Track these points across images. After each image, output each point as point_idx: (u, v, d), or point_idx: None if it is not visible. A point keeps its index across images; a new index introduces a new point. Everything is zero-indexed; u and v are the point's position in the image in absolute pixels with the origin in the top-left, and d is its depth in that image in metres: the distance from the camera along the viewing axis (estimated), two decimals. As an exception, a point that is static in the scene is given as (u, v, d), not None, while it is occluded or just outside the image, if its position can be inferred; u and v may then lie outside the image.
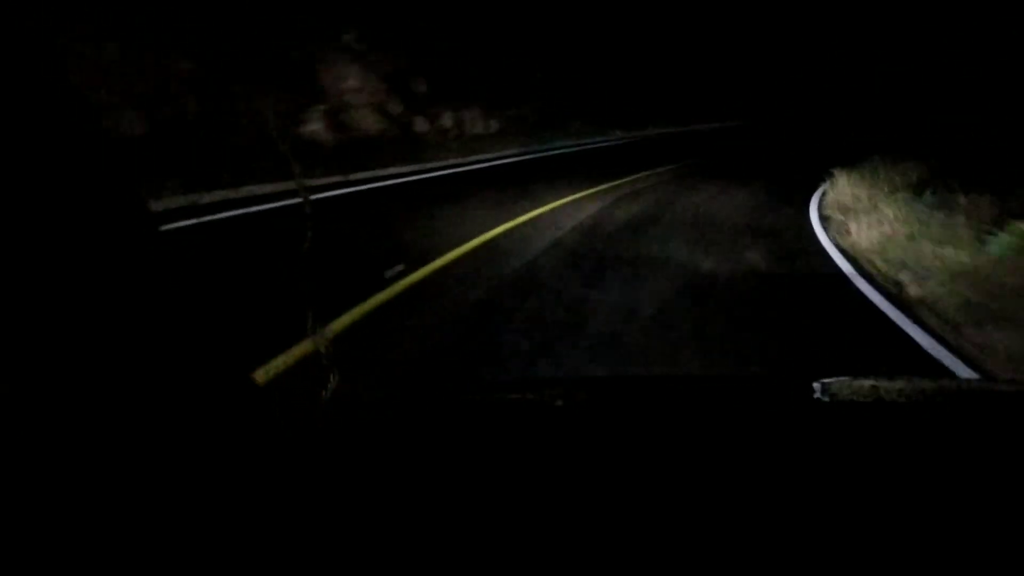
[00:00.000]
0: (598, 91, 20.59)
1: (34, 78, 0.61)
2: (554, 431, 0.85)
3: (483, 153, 13.52)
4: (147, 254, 0.72)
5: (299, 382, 2.79)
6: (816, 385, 1.04)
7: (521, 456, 0.75)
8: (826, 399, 1.02)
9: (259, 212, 6.69)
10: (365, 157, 10.79)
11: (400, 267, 4.78)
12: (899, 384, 1.08)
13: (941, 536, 0.57)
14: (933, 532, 0.57)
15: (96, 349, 0.62)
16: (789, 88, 31.90)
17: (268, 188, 7.68)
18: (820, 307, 4.55)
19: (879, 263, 5.95)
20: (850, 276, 5.36)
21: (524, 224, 6.88)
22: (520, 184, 9.54)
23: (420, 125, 13.86)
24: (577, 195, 8.88)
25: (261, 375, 2.83)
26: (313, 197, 7.48)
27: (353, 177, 9.25)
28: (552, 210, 7.74)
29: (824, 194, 9.73)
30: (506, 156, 13.53)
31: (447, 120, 14.54)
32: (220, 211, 6.47)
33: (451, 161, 12.08)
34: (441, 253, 5.42)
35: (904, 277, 5.43)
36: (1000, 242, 5.80)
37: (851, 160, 11.16)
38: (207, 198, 6.93)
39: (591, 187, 9.61)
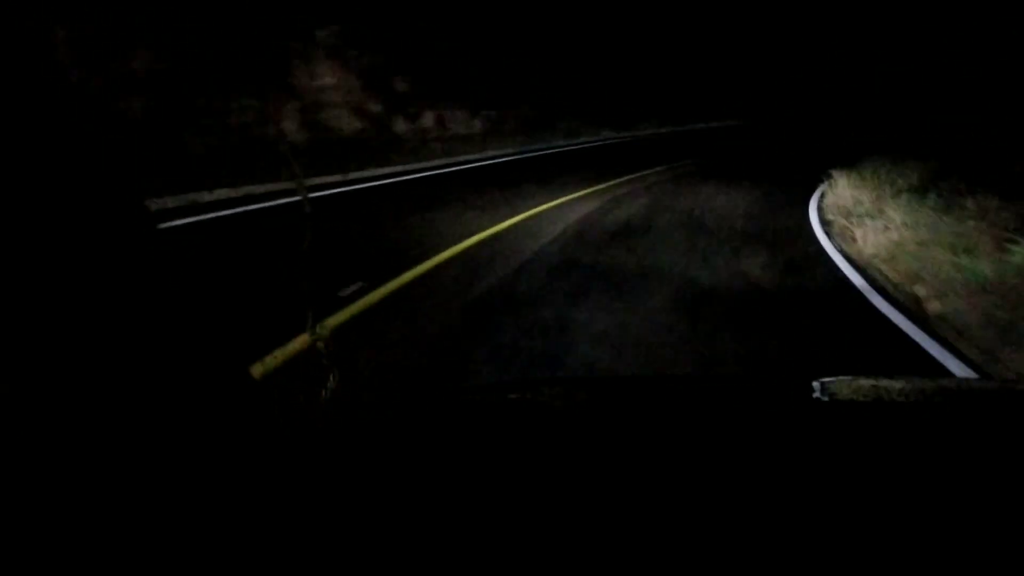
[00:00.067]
0: (589, 90, 20.02)
1: (31, 76, 0.61)
2: (554, 431, 0.84)
3: (466, 154, 12.92)
4: (144, 251, 0.72)
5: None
6: (816, 385, 1.03)
7: (520, 456, 0.74)
8: (826, 399, 1.02)
9: (195, 223, 6.09)
10: (339, 158, 10.19)
11: (358, 285, 4.19)
12: (899, 384, 1.07)
13: (941, 536, 0.56)
14: (933, 532, 0.57)
15: (92, 345, 0.61)
16: (788, 88, 31.59)
17: (223, 194, 7.08)
18: (837, 331, 3.99)
19: (891, 274, 5.43)
20: (863, 290, 4.82)
21: (503, 232, 6.31)
22: (503, 187, 8.97)
23: (400, 125, 13.26)
24: (563, 199, 8.32)
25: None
26: (274, 203, 6.88)
27: (323, 180, 8.65)
28: (536, 216, 7.17)
29: (825, 196, 9.22)
30: (491, 158, 12.95)
31: (429, 120, 13.94)
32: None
33: (431, 163, 11.48)
34: (408, 266, 4.85)
35: (921, 291, 4.90)
36: (1025, 251, 5.28)
37: (852, 160, 10.83)
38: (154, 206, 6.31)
39: (578, 190, 9.05)
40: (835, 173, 9.94)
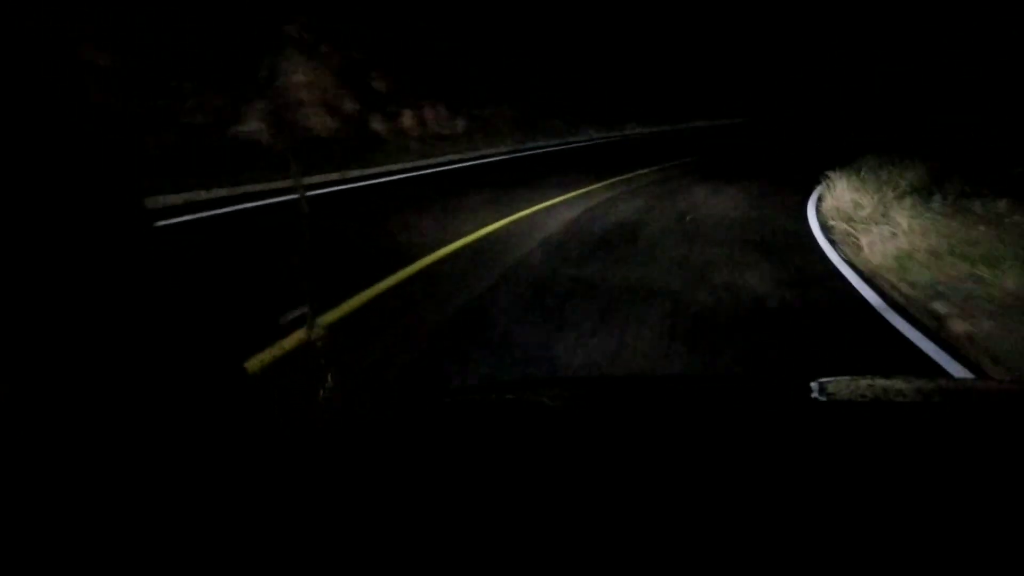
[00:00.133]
0: (577, 88, 19.48)
1: (29, 74, 0.60)
2: (552, 431, 0.83)
3: (447, 155, 12.35)
4: (140, 248, 0.71)
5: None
6: (815, 385, 1.03)
7: (520, 456, 0.74)
8: (825, 399, 1.01)
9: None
10: (311, 160, 9.61)
11: (302, 310, 3.62)
12: (898, 384, 1.07)
13: (940, 536, 0.56)
14: (932, 532, 0.56)
15: (87, 343, 0.61)
16: (787, 87, 31.27)
17: (176, 199, 6.47)
18: (858, 361, 3.46)
19: (904, 287, 4.93)
20: (879, 309, 4.31)
21: (479, 241, 5.76)
22: (482, 190, 8.42)
23: (377, 124, 12.67)
24: (547, 203, 7.78)
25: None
26: (228, 209, 6.28)
27: (289, 183, 8.05)
28: (516, 222, 6.63)
29: (827, 199, 8.74)
30: (472, 159, 12.38)
31: (408, 119, 13.35)
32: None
33: (409, 164, 10.90)
34: (369, 283, 4.30)
35: (941, 307, 4.41)
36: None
37: (852, 161, 10.41)
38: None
39: (563, 194, 8.52)
40: (836, 174, 9.50)
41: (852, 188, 8.81)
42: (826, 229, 7.13)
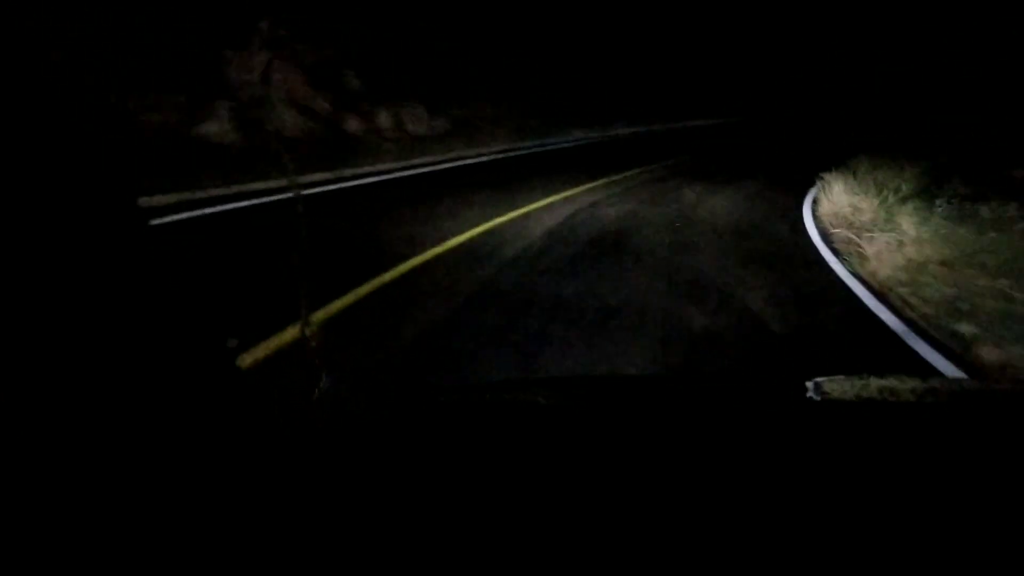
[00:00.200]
0: (565, 86, 18.96)
1: (28, 72, 0.59)
2: (550, 431, 0.82)
3: (425, 156, 11.77)
4: (136, 247, 0.71)
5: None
6: (811, 384, 1.01)
7: (516, 455, 0.73)
8: (820, 399, 0.99)
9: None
10: (277, 162, 9.01)
11: (234, 342, 3.07)
12: (895, 383, 1.05)
13: (939, 536, 0.55)
14: (930, 532, 0.55)
15: (84, 341, 0.60)
16: (786, 86, 30.90)
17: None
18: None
19: (921, 305, 4.45)
20: (900, 333, 3.82)
21: (448, 253, 5.21)
22: (458, 194, 7.87)
23: (352, 125, 12.07)
24: (528, 208, 7.25)
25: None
26: (180, 216, 5.69)
27: (252, 187, 7.46)
28: (491, 230, 6.08)
29: (827, 201, 8.27)
30: (452, 160, 11.82)
31: (384, 119, 12.77)
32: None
33: (383, 166, 10.32)
34: (321, 303, 3.75)
35: (966, 329, 3.92)
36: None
37: (853, 161, 9.98)
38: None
39: (547, 197, 7.99)
40: (835, 175, 9.06)
41: (855, 191, 8.37)
42: (828, 236, 6.66)
